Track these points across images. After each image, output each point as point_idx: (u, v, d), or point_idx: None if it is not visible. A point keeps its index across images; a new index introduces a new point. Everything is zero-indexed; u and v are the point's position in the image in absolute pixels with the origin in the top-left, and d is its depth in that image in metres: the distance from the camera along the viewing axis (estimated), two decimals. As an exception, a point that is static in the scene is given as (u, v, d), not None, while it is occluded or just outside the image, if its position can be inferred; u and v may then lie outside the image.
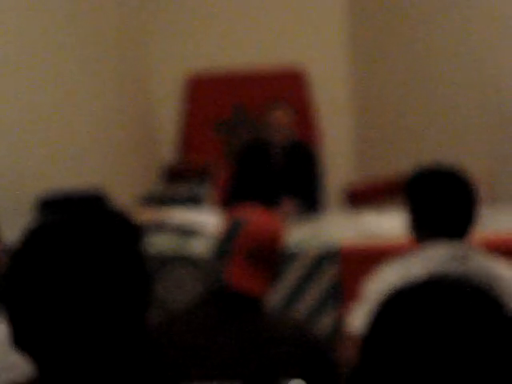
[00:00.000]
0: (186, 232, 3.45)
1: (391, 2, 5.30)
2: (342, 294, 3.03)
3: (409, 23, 5.27)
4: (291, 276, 3.15)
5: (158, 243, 3.34)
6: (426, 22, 5.22)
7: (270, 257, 1.92)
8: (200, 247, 3.23)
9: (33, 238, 1.10)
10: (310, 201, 4.02)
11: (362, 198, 4.23)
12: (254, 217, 1.96)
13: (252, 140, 4.39)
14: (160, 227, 3.50)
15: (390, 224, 3.34)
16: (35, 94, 3.90)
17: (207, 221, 3.46)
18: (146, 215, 3.55)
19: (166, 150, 5.46)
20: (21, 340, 1.09)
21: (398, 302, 1.04)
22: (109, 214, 1.13)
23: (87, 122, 4.42)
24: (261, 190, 4.02)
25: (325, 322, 3.05)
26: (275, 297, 3.11)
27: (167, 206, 4.05)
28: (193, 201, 4.21)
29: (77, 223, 1.10)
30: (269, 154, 4.11)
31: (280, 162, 4.07)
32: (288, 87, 4.42)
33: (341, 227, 3.77)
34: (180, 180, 4.88)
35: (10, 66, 3.69)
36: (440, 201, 2.07)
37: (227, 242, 1.93)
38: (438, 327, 0.98)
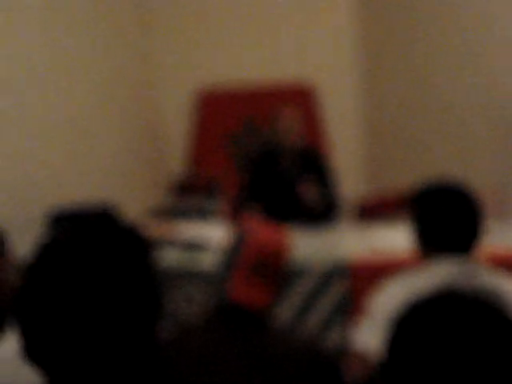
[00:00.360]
0: (195, 247, 3.46)
1: (400, 17, 5.31)
2: (352, 309, 3.02)
3: (418, 38, 5.28)
4: (300, 290, 3.14)
5: (168, 258, 3.35)
6: (436, 38, 5.24)
7: (273, 272, 1.92)
8: (208, 262, 3.24)
9: (46, 254, 1.11)
10: (328, 205, 4.04)
11: (371, 211, 4.23)
12: (258, 231, 1.97)
13: (263, 150, 4.40)
14: (169, 242, 3.51)
15: (399, 238, 3.34)
16: (47, 109, 3.92)
17: (215, 235, 3.47)
18: (155, 230, 3.56)
19: (176, 163, 5.48)
20: (33, 353, 1.10)
21: (415, 317, 1.07)
22: (119, 229, 1.15)
23: (98, 135, 4.44)
24: (273, 198, 4.03)
25: (334, 338, 3.04)
26: (285, 311, 3.11)
27: (177, 219, 4.06)
28: (202, 214, 4.23)
29: (88, 239, 1.11)
30: (280, 161, 4.12)
31: (292, 167, 4.08)
32: (297, 102, 4.43)
33: (350, 241, 3.78)
34: (190, 193, 4.89)
35: (24, 81, 3.72)
36: (445, 217, 2.09)
37: (231, 257, 1.93)
38: (457, 343, 1.01)
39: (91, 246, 1.10)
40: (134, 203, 4.54)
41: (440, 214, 2.09)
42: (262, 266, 1.91)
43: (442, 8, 5.18)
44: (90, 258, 1.09)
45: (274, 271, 1.92)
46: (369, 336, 1.96)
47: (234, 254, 1.92)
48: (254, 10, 5.27)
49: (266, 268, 1.91)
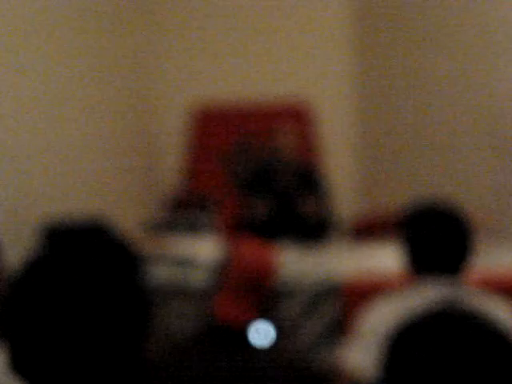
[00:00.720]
0: (187, 263, 3.44)
1: (397, 34, 5.33)
2: (344, 329, 3.00)
3: (416, 57, 5.29)
4: (292, 309, 3.13)
5: (159, 274, 3.33)
6: (433, 58, 5.25)
7: (259, 291, 1.91)
8: (199, 278, 3.22)
9: (34, 268, 1.10)
10: (322, 222, 4.04)
11: (364, 231, 4.22)
12: (246, 251, 1.97)
13: (258, 166, 4.41)
14: (161, 258, 3.49)
15: (392, 259, 3.33)
16: (41, 119, 3.92)
17: (208, 251, 3.45)
18: (148, 244, 3.55)
19: (171, 178, 5.47)
20: (19, 366, 1.08)
21: (411, 336, 1.07)
22: (110, 244, 1.13)
23: (93, 148, 4.43)
24: (268, 215, 4.01)
25: (325, 357, 3.02)
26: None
27: (170, 233, 4.05)
28: (195, 229, 4.21)
29: (77, 254, 1.10)
30: (276, 178, 4.13)
31: (288, 184, 4.08)
32: (293, 119, 4.43)
33: (343, 261, 3.77)
34: (183, 208, 4.87)
35: (20, 92, 3.72)
36: (434, 238, 2.10)
37: (218, 276, 1.93)
38: (453, 361, 1.02)
39: (80, 261, 1.09)
40: (128, 217, 4.52)
41: (429, 235, 2.10)
42: (248, 286, 1.90)
43: (440, 24, 5.20)
44: (78, 273, 1.07)
45: (260, 290, 1.91)
46: (358, 355, 1.96)
47: (222, 273, 1.92)
48: (251, 27, 5.28)
49: (253, 288, 1.90)
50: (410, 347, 1.06)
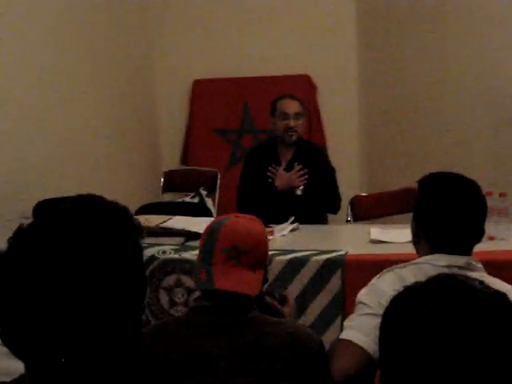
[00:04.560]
0: (186, 237, 3.42)
1: (401, 18, 5.28)
2: (345, 302, 2.99)
3: (419, 40, 5.25)
4: (297, 284, 3.11)
5: (159, 248, 3.31)
6: (437, 42, 5.21)
7: (250, 255, 1.87)
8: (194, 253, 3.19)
9: (23, 234, 1.03)
10: (331, 198, 3.99)
11: (366, 211, 4.19)
12: (232, 219, 1.95)
13: (261, 143, 4.33)
14: (161, 231, 3.47)
15: (394, 235, 3.31)
16: (37, 100, 3.88)
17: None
18: (148, 220, 3.52)
19: (170, 158, 5.43)
20: (10, 339, 1.03)
21: (403, 301, 1.03)
22: (104, 206, 1.07)
23: (88, 130, 4.39)
24: (271, 189, 3.96)
25: (332, 330, 3.01)
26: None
27: (169, 214, 4.00)
28: (196, 209, 4.17)
29: (70, 216, 1.03)
30: (278, 151, 4.06)
31: (293, 162, 4.01)
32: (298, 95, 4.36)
33: (346, 237, 3.75)
34: (183, 188, 4.84)
35: (23, 83, 3.69)
36: (451, 211, 1.97)
37: (209, 246, 1.90)
38: (448, 325, 0.97)
39: (73, 224, 1.01)
40: (127, 199, 4.48)
41: (448, 209, 1.97)
42: (236, 251, 1.86)
43: (442, 14, 5.16)
44: (71, 237, 1.00)
45: (252, 255, 1.88)
46: (358, 326, 1.92)
47: (212, 243, 1.89)
48: (255, 8, 5.21)
49: (242, 253, 1.87)
50: (401, 312, 1.02)
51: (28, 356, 1.02)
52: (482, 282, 1.04)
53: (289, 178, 3.91)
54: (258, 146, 4.32)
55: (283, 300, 2.19)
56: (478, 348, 0.95)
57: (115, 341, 1.02)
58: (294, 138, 3.96)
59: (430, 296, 1.00)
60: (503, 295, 1.02)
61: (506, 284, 1.89)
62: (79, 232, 1.00)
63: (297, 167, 3.92)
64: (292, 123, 3.93)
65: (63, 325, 0.98)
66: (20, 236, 1.02)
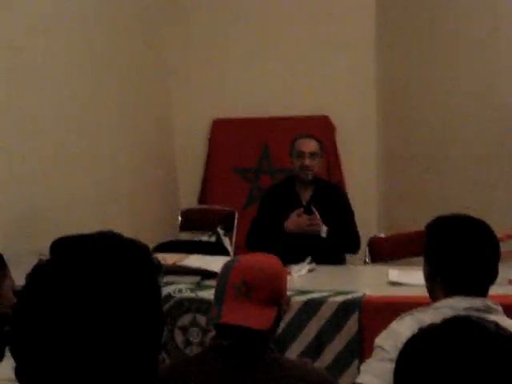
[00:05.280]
0: (202, 276, 3.41)
1: (420, 59, 5.30)
2: (363, 345, 2.95)
3: (439, 82, 5.27)
4: (314, 325, 3.07)
5: (176, 286, 3.29)
6: (456, 77, 5.22)
7: (261, 291, 1.85)
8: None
9: (39, 272, 1.02)
10: (351, 238, 3.97)
11: (384, 252, 4.16)
12: (247, 256, 1.94)
13: (279, 183, 4.34)
14: (178, 270, 3.46)
15: (412, 278, 3.27)
16: (58, 137, 3.91)
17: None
18: (164, 258, 3.51)
19: (188, 197, 5.44)
20: (24, 376, 1.02)
21: (417, 344, 1.01)
22: (124, 243, 1.06)
23: (107, 168, 4.42)
24: (284, 236, 3.94)
25: (348, 373, 2.96)
26: (299, 344, 3.05)
27: (186, 253, 3.99)
28: (213, 248, 4.16)
29: (90, 253, 1.02)
30: (296, 190, 4.06)
31: (310, 197, 4.00)
32: (317, 135, 4.38)
33: (364, 279, 3.72)
34: (201, 227, 4.84)
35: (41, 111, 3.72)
36: (464, 252, 1.96)
37: (221, 284, 1.89)
38: (461, 367, 0.95)
39: (90, 262, 1.00)
40: (145, 237, 4.48)
41: (459, 254, 1.96)
42: (246, 286, 1.85)
43: (464, 44, 5.18)
44: (88, 273, 0.98)
45: (264, 292, 1.86)
46: (374, 371, 1.89)
47: (225, 280, 1.88)
48: (275, 48, 5.25)
49: (252, 288, 1.85)
50: (417, 354, 1.00)
51: None
52: (497, 325, 1.02)
53: (298, 222, 3.89)
54: (277, 184, 4.32)
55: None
56: None
57: (132, 380, 1.00)
58: (309, 176, 3.97)
59: (446, 339, 0.98)
60: None
61: None
62: (98, 269, 0.99)
63: (316, 213, 3.90)
64: (307, 162, 3.94)
65: (80, 363, 0.96)
66: (38, 272, 1.01)
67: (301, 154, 3.97)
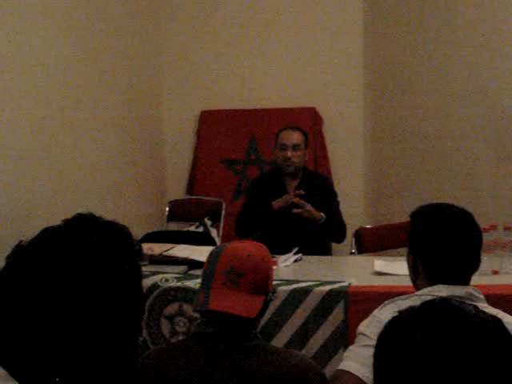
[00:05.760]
0: (189, 266, 3.41)
1: (407, 53, 5.32)
2: (348, 334, 2.96)
3: (426, 76, 5.28)
4: (300, 315, 3.08)
5: (162, 276, 3.30)
6: (445, 68, 5.24)
7: (249, 278, 1.86)
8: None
9: (21, 251, 1.02)
10: (338, 227, 3.99)
11: (370, 243, 4.18)
12: (235, 243, 1.95)
13: (265, 173, 4.35)
14: (164, 259, 3.46)
15: (397, 268, 3.29)
16: (45, 129, 3.90)
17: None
18: (151, 248, 3.51)
19: (176, 188, 5.44)
20: (5, 358, 1.01)
21: (405, 321, 1.02)
22: (105, 224, 1.06)
23: (95, 159, 4.41)
24: (273, 220, 3.97)
25: (334, 362, 2.97)
26: (285, 334, 3.07)
27: (173, 243, 4.00)
28: (200, 239, 4.16)
29: (70, 233, 1.02)
30: (283, 181, 4.07)
31: (297, 188, 4.01)
32: (303, 125, 4.39)
33: (350, 269, 3.73)
34: (188, 217, 4.84)
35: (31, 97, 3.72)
36: (445, 241, 1.97)
37: (209, 269, 1.89)
38: (439, 348, 0.95)
39: (70, 242, 1.00)
40: (132, 227, 4.47)
41: (441, 243, 1.97)
42: (235, 273, 1.86)
43: (454, 31, 5.19)
44: (68, 253, 0.98)
45: (252, 280, 1.87)
46: (357, 357, 1.90)
47: (213, 264, 1.89)
48: (263, 41, 5.25)
49: (241, 275, 1.86)
50: (395, 336, 1.01)
51: (23, 375, 1.00)
52: (476, 307, 1.03)
53: (285, 198, 3.92)
54: (262, 175, 4.33)
55: None
56: (471, 372, 0.93)
57: (111, 360, 1.01)
58: (291, 168, 3.99)
59: (424, 320, 0.99)
60: (497, 320, 1.00)
61: (508, 315, 1.87)
62: (78, 249, 0.99)
63: (296, 192, 3.93)
64: (289, 154, 3.96)
65: (59, 343, 0.97)
66: (18, 253, 1.01)
67: (283, 147, 3.99)
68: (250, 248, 1.94)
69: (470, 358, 0.95)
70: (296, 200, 3.87)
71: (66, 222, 1.06)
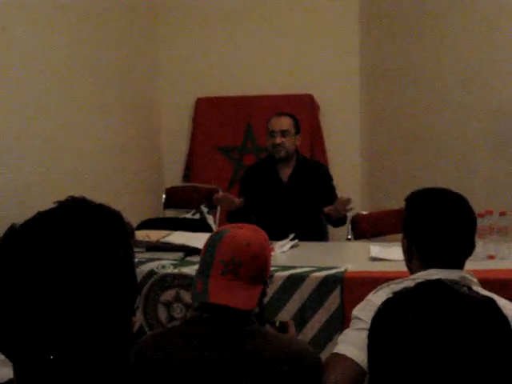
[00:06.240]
0: (186, 252, 3.42)
1: (404, 39, 5.31)
2: (344, 319, 2.98)
3: (422, 64, 5.28)
4: (296, 300, 3.10)
5: (159, 262, 3.31)
6: (441, 57, 5.24)
7: (249, 268, 1.86)
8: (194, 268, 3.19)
9: (13, 233, 1.02)
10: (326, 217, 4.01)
11: (367, 229, 4.19)
12: (233, 230, 1.93)
13: (260, 160, 4.36)
14: (161, 246, 3.47)
15: (393, 253, 3.30)
16: (41, 116, 3.90)
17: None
18: (148, 235, 3.52)
19: (172, 175, 5.45)
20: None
21: (398, 302, 1.02)
22: (97, 207, 1.06)
23: (90, 147, 4.40)
24: (267, 207, 3.98)
25: (330, 346, 2.99)
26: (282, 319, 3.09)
27: (170, 230, 4.01)
28: (197, 226, 4.17)
29: (62, 215, 1.02)
30: (277, 168, 4.08)
31: (291, 174, 4.04)
32: (298, 113, 4.39)
33: (346, 254, 3.75)
34: (185, 205, 4.85)
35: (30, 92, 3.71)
36: (439, 225, 1.97)
37: (208, 257, 1.89)
38: (432, 329, 0.96)
39: (63, 224, 1.00)
40: (129, 214, 4.47)
41: (438, 223, 1.96)
42: (234, 263, 1.86)
43: (448, 24, 5.18)
44: (60, 235, 0.98)
45: (251, 270, 1.87)
46: (351, 341, 1.91)
47: (212, 251, 1.88)
48: (259, 27, 5.24)
49: (240, 266, 1.86)
50: (389, 317, 1.02)
51: (16, 353, 1.00)
52: (470, 288, 1.04)
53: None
54: (256, 163, 4.34)
55: (284, 328, 2.17)
56: (465, 351, 0.94)
57: (105, 339, 1.01)
58: (282, 153, 4.00)
59: (418, 301, 1.00)
60: (491, 300, 1.01)
61: (502, 298, 1.88)
62: (71, 231, 0.99)
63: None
64: (278, 140, 3.97)
65: (53, 322, 0.97)
66: (11, 235, 1.01)
67: (272, 133, 4.01)
68: (250, 236, 1.92)
69: (464, 338, 0.95)
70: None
71: (59, 203, 1.06)
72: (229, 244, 1.87)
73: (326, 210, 3.83)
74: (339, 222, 4.00)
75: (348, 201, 3.77)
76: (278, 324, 2.15)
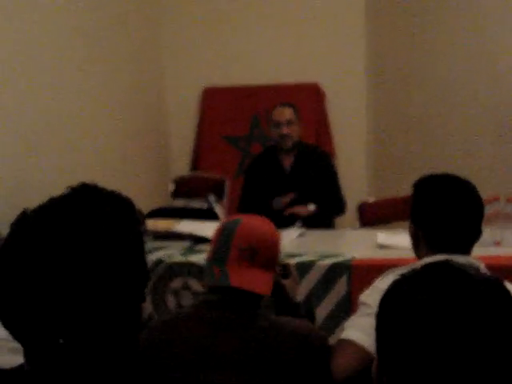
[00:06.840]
0: (194, 241, 3.44)
1: (410, 27, 5.30)
2: (351, 306, 2.99)
3: (428, 50, 5.27)
4: (304, 288, 3.12)
5: (167, 251, 3.33)
6: (445, 42, 5.23)
7: (264, 255, 1.89)
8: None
9: (26, 219, 1.03)
10: (336, 202, 4.03)
11: (373, 217, 4.20)
12: (246, 219, 1.96)
13: (265, 149, 4.38)
14: (169, 235, 3.49)
15: (400, 240, 3.31)
16: (51, 106, 3.92)
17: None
18: (156, 224, 3.54)
19: (180, 165, 5.46)
20: (9, 320, 1.03)
21: (406, 283, 1.03)
22: (108, 194, 1.08)
23: (99, 137, 4.42)
24: (271, 196, 4.01)
25: (338, 334, 3.01)
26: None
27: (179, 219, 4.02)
28: (205, 215, 4.19)
29: (74, 202, 1.03)
30: (279, 158, 4.10)
31: (293, 163, 4.06)
32: (304, 101, 4.40)
33: (353, 242, 3.76)
34: (192, 194, 4.86)
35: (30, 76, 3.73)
36: (446, 210, 1.97)
37: (224, 244, 1.91)
38: (441, 310, 0.96)
39: (75, 210, 1.02)
40: (136, 204, 4.49)
41: (446, 208, 1.96)
42: (252, 250, 1.89)
43: (451, 18, 5.17)
44: (72, 221, 1.00)
45: (266, 257, 1.90)
46: (358, 326, 1.92)
47: (228, 238, 1.91)
48: (265, 17, 5.24)
49: (257, 253, 1.88)
50: (397, 298, 1.02)
51: (27, 337, 1.02)
52: (478, 269, 1.04)
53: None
54: (257, 156, 4.36)
55: (286, 271, 2.19)
56: (474, 333, 0.94)
57: (114, 325, 1.03)
58: (289, 144, 4.03)
59: (426, 282, 1.00)
60: (498, 280, 1.01)
61: (508, 283, 1.89)
62: (82, 216, 1.01)
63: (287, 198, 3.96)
64: (284, 131, 4.00)
65: (63, 306, 0.99)
66: (23, 221, 1.03)
67: (278, 124, 4.02)
68: (264, 225, 1.97)
69: (474, 316, 0.95)
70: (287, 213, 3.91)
71: (71, 189, 1.08)
72: (246, 231, 1.91)
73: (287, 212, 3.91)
74: (332, 214, 4.05)
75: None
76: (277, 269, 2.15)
